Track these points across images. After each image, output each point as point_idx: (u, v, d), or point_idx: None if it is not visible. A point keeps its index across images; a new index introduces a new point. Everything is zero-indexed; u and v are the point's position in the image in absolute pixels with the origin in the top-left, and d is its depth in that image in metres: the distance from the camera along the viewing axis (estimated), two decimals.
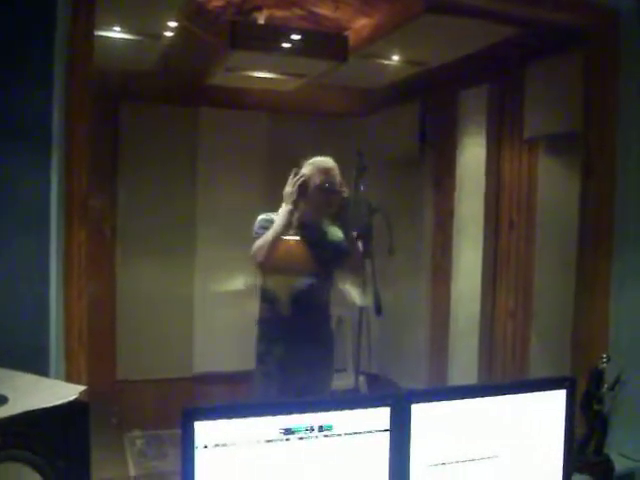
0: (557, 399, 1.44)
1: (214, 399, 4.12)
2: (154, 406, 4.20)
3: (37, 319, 1.66)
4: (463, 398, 1.35)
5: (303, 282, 2.57)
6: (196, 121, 4.34)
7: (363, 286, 2.51)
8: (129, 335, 4.20)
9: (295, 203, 2.54)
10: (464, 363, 3.74)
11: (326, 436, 1.21)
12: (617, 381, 1.98)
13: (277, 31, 3.04)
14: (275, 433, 1.17)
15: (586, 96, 2.53)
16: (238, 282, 3.93)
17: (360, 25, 3.31)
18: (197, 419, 1.12)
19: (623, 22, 2.34)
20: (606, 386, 1.98)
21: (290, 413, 1.19)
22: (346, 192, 2.58)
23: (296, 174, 2.56)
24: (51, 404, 1.10)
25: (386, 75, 3.94)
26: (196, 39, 3.25)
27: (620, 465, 2.03)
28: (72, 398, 1.14)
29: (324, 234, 2.61)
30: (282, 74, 3.71)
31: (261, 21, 3.09)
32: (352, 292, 2.83)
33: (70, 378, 1.70)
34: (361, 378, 3.42)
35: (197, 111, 4.34)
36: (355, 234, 2.59)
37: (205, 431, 1.13)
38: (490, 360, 3.63)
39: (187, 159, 4.33)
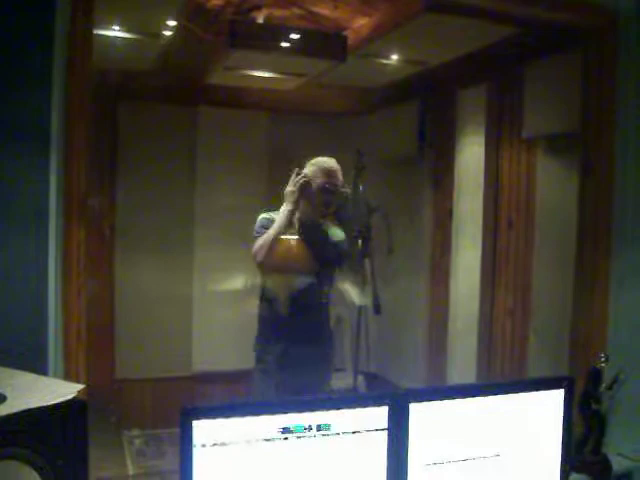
0: (555, 399, 1.44)
1: (213, 398, 4.12)
2: (153, 405, 4.20)
3: (36, 318, 1.66)
4: (461, 397, 1.35)
5: (303, 281, 2.56)
6: (195, 120, 4.33)
7: (362, 285, 2.51)
8: (128, 334, 4.20)
9: (296, 203, 2.54)
10: (462, 362, 3.74)
11: (324, 435, 1.21)
12: (615, 380, 1.98)
13: (276, 30, 3.04)
14: (273, 432, 1.17)
15: (585, 96, 2.53)
16: (237, 281, 3.93)
17: (359, 24, 3.31)
18: (195, 418, 1.12)
19: (621, 22, 2.35)
20: (604, 385, 1.98)
21: (288, 412, 1.19)
22: (347, 193, 2.57)
23: (298, 174, 2.56)
24: (50, 403, 1.10)
25: (385, 74, 3.94)
26: (195, 38, 3.24)
27: (618, 464, 2.03)
28: (71, 397, 1.14)
29: (324, 234, 2.61)
30: (281, 73, 3.71)
31: (260, 20, 3.09)
32: (351, 291, 2.84)
33: (69, 377, 1.70)
34: (360, 377, 3.43)
35: (196, 110, 4.33)
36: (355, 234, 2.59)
37: (203, 430, 1.13)
38: (488, 359, 3.63)
39: (186, 158, 4.33)
